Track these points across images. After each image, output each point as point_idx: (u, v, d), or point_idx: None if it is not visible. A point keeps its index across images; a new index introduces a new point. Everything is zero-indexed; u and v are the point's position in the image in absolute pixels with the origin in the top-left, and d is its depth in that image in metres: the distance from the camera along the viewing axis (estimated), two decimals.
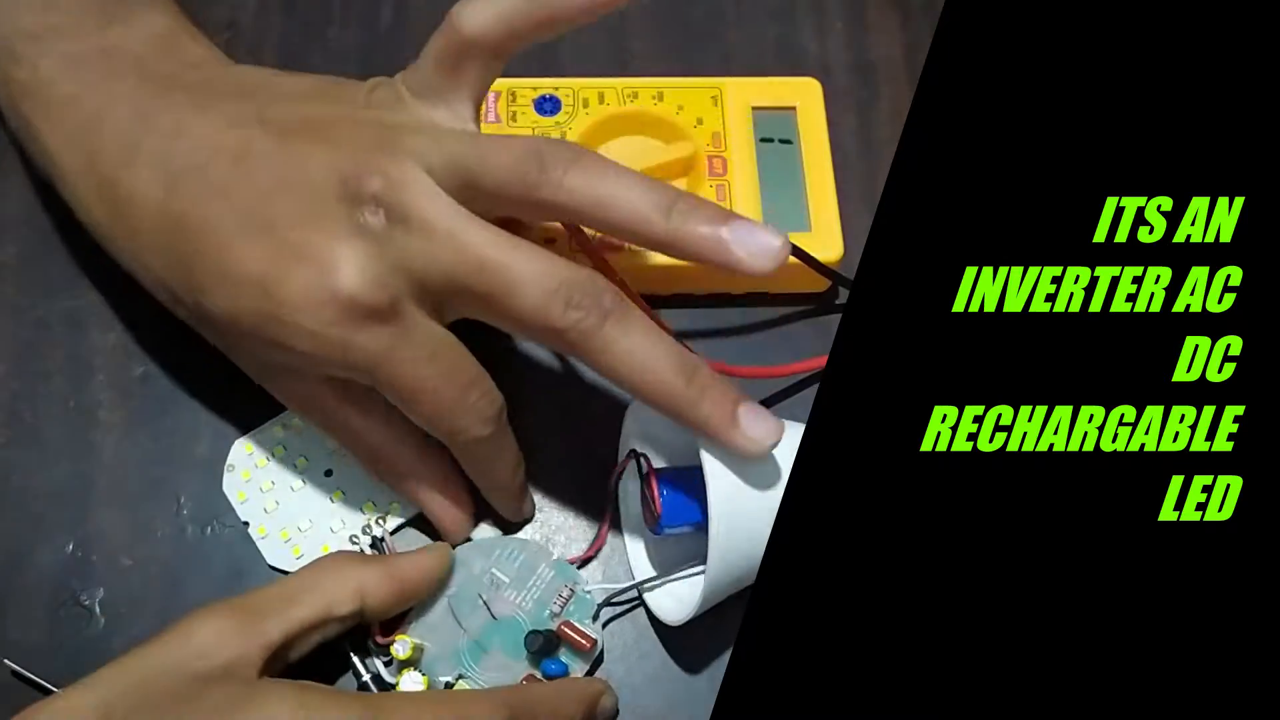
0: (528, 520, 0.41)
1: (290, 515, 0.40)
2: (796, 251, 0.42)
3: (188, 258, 0.36)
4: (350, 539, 0.40)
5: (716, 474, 0.35)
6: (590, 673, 0.39)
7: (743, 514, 0.35)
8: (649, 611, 0.40)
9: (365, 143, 0.36)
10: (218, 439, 0.42)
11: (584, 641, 0.38)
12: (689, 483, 0.38)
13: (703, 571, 0.36)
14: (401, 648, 0.37)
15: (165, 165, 0.36)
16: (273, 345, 0.35)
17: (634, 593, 0.40)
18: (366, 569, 0.37)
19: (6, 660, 0.38)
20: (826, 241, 0.44)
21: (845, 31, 0.51)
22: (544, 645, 0.38)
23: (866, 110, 0.50)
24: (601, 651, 0.39)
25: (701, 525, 0.36)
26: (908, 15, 0.52)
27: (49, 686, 0.37)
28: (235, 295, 0.35)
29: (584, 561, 0.40)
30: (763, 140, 0.46)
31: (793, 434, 0.36)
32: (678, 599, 0.39)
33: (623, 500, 0.41)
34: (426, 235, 0.34)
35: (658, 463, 0.40)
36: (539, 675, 0.38)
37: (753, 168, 0.45)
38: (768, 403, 0.44)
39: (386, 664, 0.38)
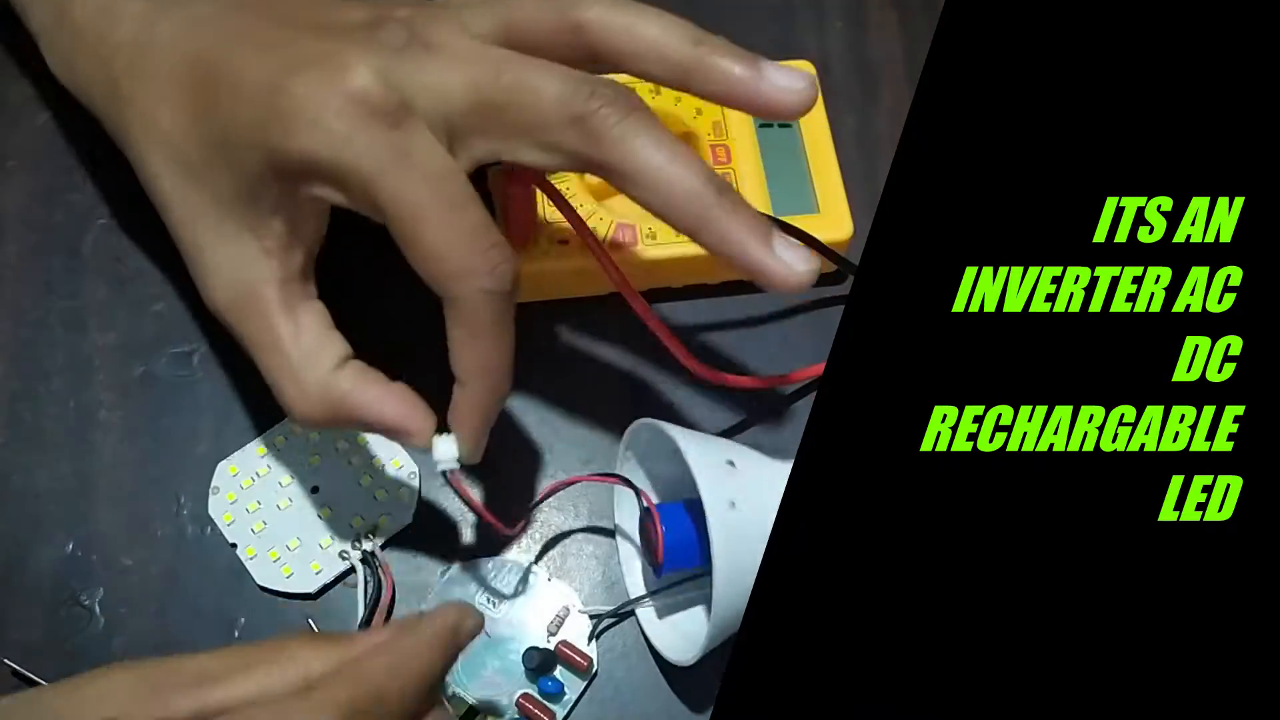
0: (472, 463, 0.36)
1: (278, 535, 0.40)
2: (803, 235, 0.42)
3: (201, 89, 0.35)
4: (340, 555, 0.40)
5: (718, 521, 0.35)
6: (586, 690, 0.39)
7: (745, 560, 0.34)
8: (650, 645, 0.40)
9: None
10: (218, 439, 0.42)
11: (581, 660, 0.38)
12: (690, 522, 0.38)
13: (698, 582, 0.36)
14: None
15: (188, 18, 0.36)
16: (273, 151, 0.33)
17: (631, 609, 0.40)
18: (318, 659, 0.31)
19: (6, 660, 0.38)
20: (835, 222, 0.44)
21: (845, 31, 0.51)
22: (542, 663, 0.38)
23: (866, 110, 0.50)
24: (597, 671, 0.39)
25: (703, 567, 0.36)
26: (907, 14, 0.52)
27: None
28: (244, 107, 0.34)
29: (509, 539, 0.40)
30: (762, 126, 0.46)
31: (783, 471, 0.36)
32: (683, 636, 0.39)
33: (619, 525, 0.41)
34: (447, 55, 0.34)
35: (652, 496, 0.39)
36: (535, 693, 0.38)
37: (756, 154, 0.46)
38: (768, 407, 0.43)
39: None
